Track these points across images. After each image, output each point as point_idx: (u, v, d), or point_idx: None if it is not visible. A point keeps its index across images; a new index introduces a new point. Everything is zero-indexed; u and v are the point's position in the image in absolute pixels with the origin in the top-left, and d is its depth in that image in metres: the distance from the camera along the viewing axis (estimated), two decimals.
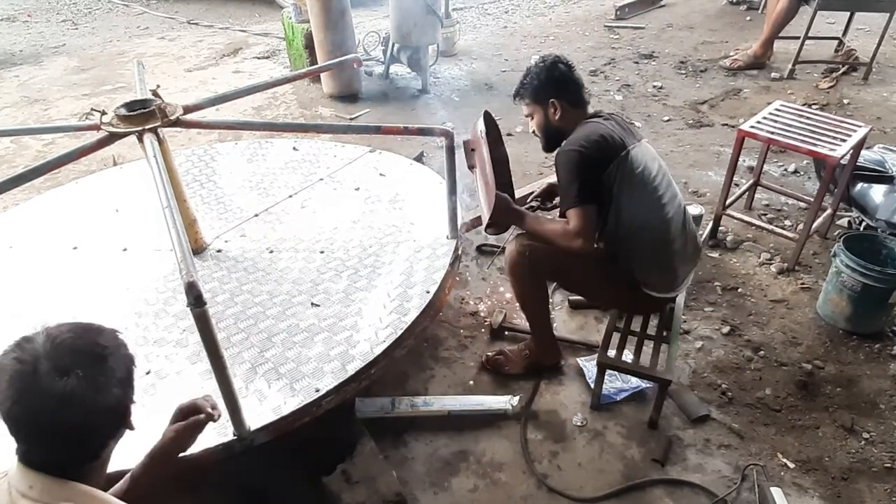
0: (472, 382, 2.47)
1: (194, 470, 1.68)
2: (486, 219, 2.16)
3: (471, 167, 2.32)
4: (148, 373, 2.02)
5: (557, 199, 2.36)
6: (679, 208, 2.19)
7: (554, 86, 2.17)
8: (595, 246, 2.15)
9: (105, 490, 1.17)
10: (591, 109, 2.25)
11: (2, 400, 1.06)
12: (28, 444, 1.10)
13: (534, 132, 2.28)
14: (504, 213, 2.18)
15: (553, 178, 2.49)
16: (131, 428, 1.20)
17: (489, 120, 2.30)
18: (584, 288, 2.39)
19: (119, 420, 1.16)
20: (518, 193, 3.27)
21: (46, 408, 1.05)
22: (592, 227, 2.08)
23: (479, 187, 2.24)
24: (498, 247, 3.18)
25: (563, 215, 2.12)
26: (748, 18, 6.35)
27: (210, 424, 1.76)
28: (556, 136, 2.21)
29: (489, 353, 2.52)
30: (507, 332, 2.68)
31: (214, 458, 1.71)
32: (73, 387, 1.06)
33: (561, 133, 2.19)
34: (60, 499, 1.08)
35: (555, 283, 2.75)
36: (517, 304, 2.45)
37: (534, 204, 2.53)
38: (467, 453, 2.20)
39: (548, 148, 2.28)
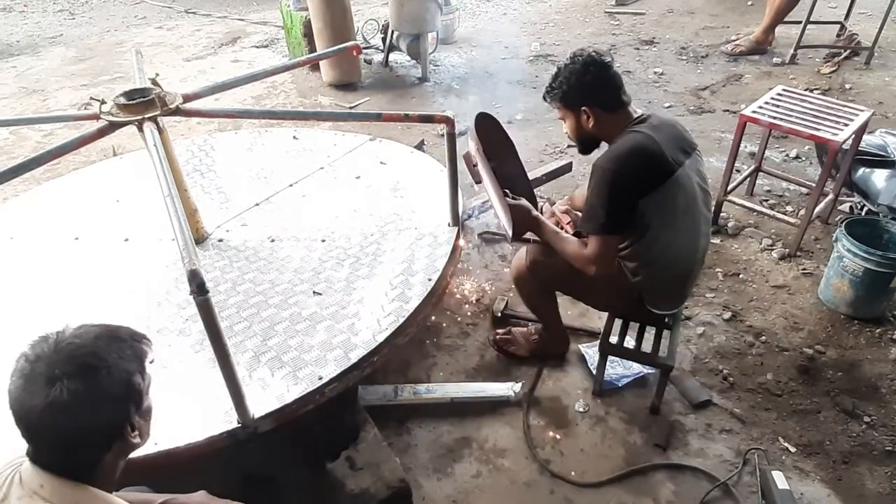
0: (474, 369, 2.48)
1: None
2: (508, 231, 2.11)
3: (477, 182, 2.18)
4: (151, 362, 2.02)
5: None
6: (707, 231, 2.06)
7: (586, 92, 1.95)
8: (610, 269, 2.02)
9: None
10: (635, 107, 2.02)
11: (8, 392, 1.08)
12: (26, 441, 1.09)
13: (567, 134, 2.10)
14: (524, 223, 2.11)
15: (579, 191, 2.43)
16: (132, 444, 1.16)
17: (484, 126, 2.19)
18: (588, 300, 2.35)
19: (110, 435, 1.12)
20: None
21: (33, 411, 1.05)
22: (612, 257, 1.99)
23: (493, 201, 2.14)
24: (499, 234, 3.17)
25: (582, 234, 1.99)
26: (749, 3, 6.30)
27: (215, 412, 1.78)
28: (592, 142, 2.05)
29: (499, 331, 2.54)
30: (511, 319, 2.68)
31: (219, 445, 1.72)
32: (56, 397, 1.03)
33: (596, 139, 2.02)
34: (71, 501, 1.08)
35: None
36: (513, 283, 2.41)
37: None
38: (470, 440, 2.22)
39: (583, 152, 2.11)
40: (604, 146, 2.03)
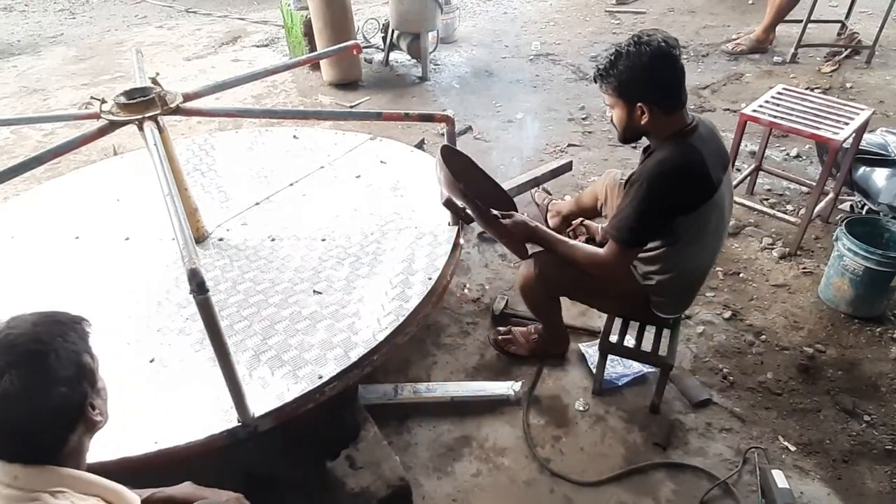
0: (474, 368, 2.48)
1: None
2: (513, 249, 2.07)
3: (467, 222, 2.11)
4: (152, 361, 2.03)
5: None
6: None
7: (649, 89, 1.77)
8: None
9: None
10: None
11: None
12: None
13: (611, 119, 1.95)
14: (525, 237, 2.05)
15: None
16: (94, 422, 1.14)
17: (448, 159, 2.06)
18: (594, 304, 2.35)
19: (72, 417, 1.10)
20: (521, 179, 3.28)
21: None
22: (629, 265, 1.97)
23: (488, 229, 2.10)
24: None
25: (604, 237, 1.93)
26: (750, 2, 6.29)
27: (216, 411, 1.78)
28: (636, 136, 1.91)
29: (500, 329, 2.54)
30: (512, 319, 2.68)
31: (219, 444, 1.72)
32: (7, 388, 1.01)
33: (643, 134, 1.89)
34: (51, 485, 1.06)
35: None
36: (520, 291, 2.43)
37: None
38: (470, 439, 2.22)
39: (624, 141, 1.97)
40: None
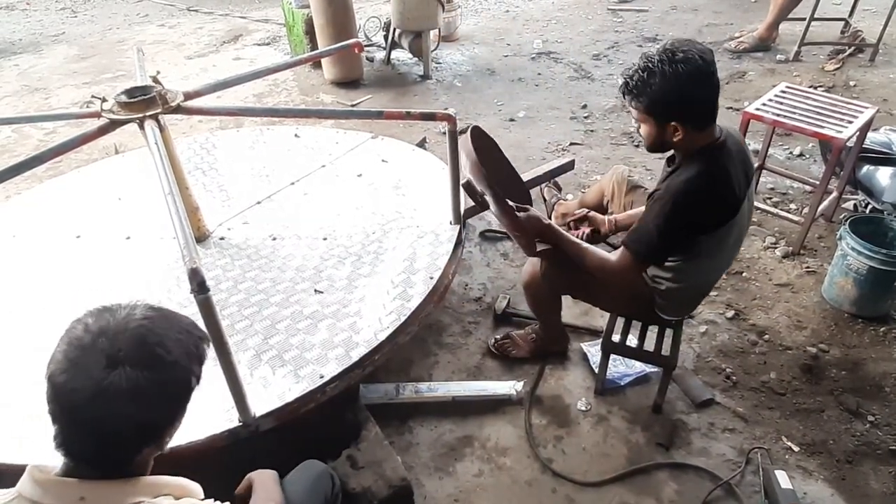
0: (476, 368, 2.47)
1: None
2: (523, 244, 2.06)
3: (483, 209, 2.10)
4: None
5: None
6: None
7: (684, 109, 1.68)
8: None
9: None
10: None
11: (53, 359, 0.96)
12: (60, 425, 0.97)
13: (637, 129, 1.85)
14: (537, 234, 2.02)
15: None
16: (163, 450, 1.09)
17: (476, 140, 2.06)
18: (599, 304, 2.33)
19: (151, 436, 1.04)
20: (524, 178, 3.25)
21: (82, 392, 0.93)
22: (640, 274, 1.97)
23: (501, 219, 2.07)
24: (501, 232, 3.16)
25: (620, 245, 1.92)
26: (753, 0, 6.28)
27: (217, 411, 1.78)
28: (665, 149, 1.84)
29: (497, 337, 2.52)
30: (513, 318, 2.67)
31: (220, 444, 1.72)
32: (112, 384, 0.93)
33: (671, 148, 1.83)
34: (125, 499, 0.99)
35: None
36: (521, 290, 2.42)
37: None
38: (472, 438, 2.21)
39: (650, 152, 1.90)
40: None
